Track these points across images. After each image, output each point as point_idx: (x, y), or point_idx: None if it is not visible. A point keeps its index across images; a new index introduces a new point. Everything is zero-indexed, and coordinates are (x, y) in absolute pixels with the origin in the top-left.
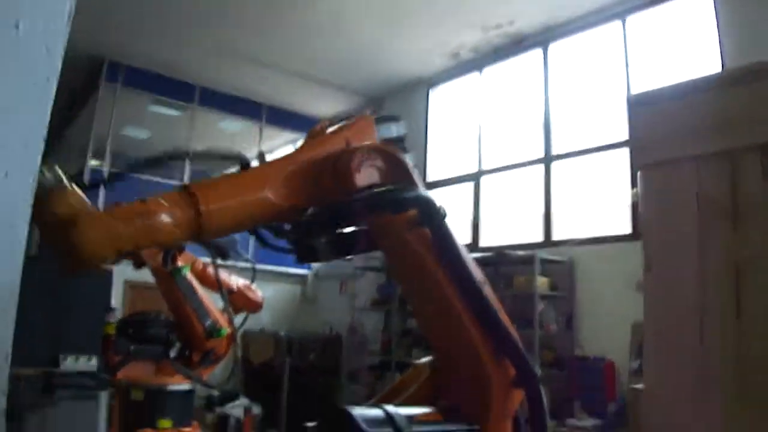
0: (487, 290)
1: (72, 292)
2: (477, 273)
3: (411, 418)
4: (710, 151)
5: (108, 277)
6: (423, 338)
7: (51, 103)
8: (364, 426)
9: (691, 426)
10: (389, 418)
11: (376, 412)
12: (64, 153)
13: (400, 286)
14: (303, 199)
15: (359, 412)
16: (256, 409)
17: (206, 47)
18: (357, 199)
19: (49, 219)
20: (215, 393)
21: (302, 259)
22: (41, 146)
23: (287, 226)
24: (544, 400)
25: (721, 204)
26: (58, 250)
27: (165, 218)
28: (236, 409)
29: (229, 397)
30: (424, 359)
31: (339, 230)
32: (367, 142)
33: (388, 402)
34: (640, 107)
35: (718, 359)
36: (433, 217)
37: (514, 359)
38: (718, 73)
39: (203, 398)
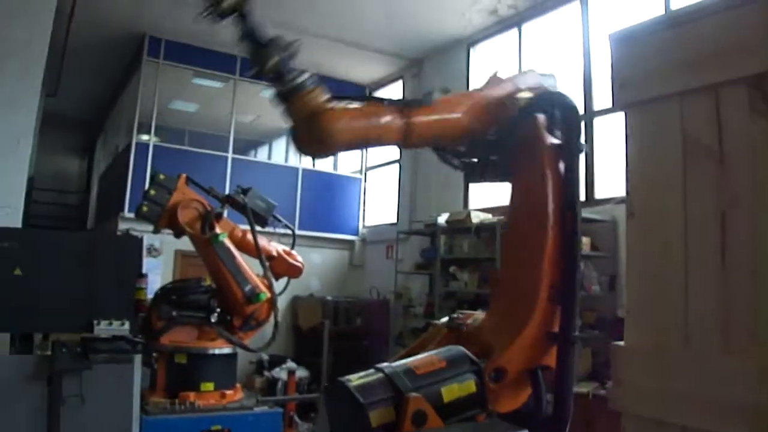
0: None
1: (104, 259)
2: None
3: (412, 373)
4: (693, 87)
5: (138, 243)
6: (466, 300)
7: None
8: (358, 395)
9: (674, 377)
10: (388, 380)
11: (375, 377)
12: (113, 129)
13: (512, 210)
14: (483, 126)
15: (359, 381)
16: (301, 372)
17: None
18: (535, 98)
19: (302, 107)
20: (265, 357)
21: (470, 178)
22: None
23: (462, 149)
24: (572, 364)
25: (706, 144)
26: (305, 137)
27: (384, 121)
28: (283, 372)
29: (278, 361)
30: (443, 319)
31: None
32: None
33: None
34: (621, 44)
35: (702, 308)
36: (575, 144)
37: (566, 312)
38: (701, 2)
39: (254, 362)
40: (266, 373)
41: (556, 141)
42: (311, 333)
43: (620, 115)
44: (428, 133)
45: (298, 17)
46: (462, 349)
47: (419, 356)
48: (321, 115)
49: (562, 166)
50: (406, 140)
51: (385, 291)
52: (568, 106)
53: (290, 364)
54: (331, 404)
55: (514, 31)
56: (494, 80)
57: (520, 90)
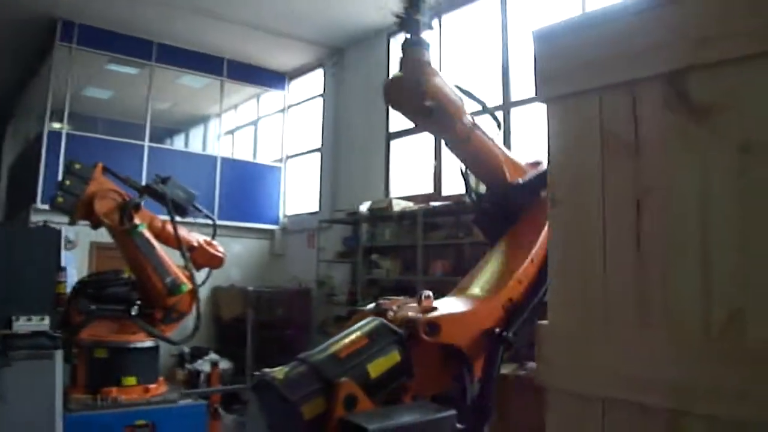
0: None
1: (21, 252)
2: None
3: (335, 358)
4: (612, 83)
5: (57, 236)
6: (389, 288)
7: None
8: (287, 392)
9: (594, 355)
10: (313, 371)
11: (300, 370)
12: (23, 116)
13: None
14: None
15: (285, 377)
16: (224, 364)
17: (161, 2)
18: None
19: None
20: (186, 350)
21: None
22: None
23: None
24: (498, 362)
25: (623, 137)
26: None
27: (463, 111)
28: (206, 364)
29: (199, 353)
30: (368, 306)
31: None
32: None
33: None
34: (544, 41)
35: (620, 287)
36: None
37: (516, 315)
38: (618, 4)
39: (175, 355)
40: (188, 366)
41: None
42: (233, 323)
43: (541, 108)
44: (476, 153)
45: (215, 3)
46: (381, 320)
47: (340, 338)
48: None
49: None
50: (460, 138)
51: (307, 280)
52: None
53: (212, 356)
54: (262, 399)
55: (434, 21)
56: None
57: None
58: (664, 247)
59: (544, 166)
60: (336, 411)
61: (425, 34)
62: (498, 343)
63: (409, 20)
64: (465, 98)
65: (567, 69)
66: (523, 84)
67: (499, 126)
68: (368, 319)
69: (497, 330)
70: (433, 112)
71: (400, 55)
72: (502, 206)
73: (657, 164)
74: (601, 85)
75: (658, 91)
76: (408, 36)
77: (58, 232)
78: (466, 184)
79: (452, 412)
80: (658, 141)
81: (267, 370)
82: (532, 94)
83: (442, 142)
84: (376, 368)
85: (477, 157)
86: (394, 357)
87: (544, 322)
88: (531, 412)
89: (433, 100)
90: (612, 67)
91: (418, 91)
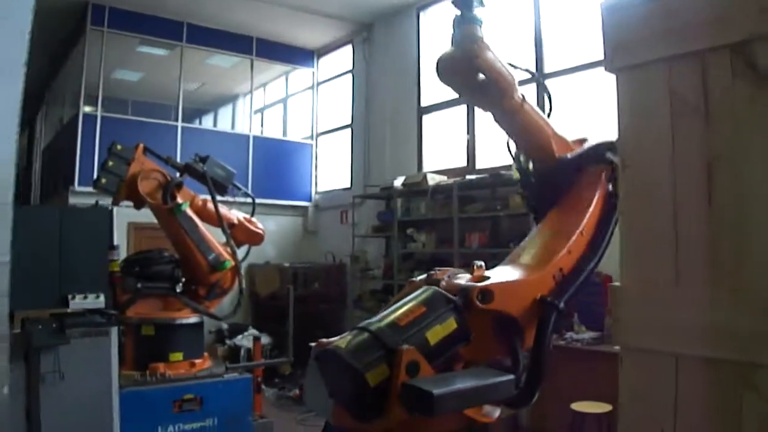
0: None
1: (74, 232)
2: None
3: (396, 326)
4: (681, 53)
5: (108, 214)
6: (424, 261)
7: None
8: (352, 361)
9: (667, 313)
10: (375, 339)
11: (361, 338)
12: (58, 101)
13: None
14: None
15: (347, 348)
16: (265, 339)
17: None
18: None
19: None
20: (225, 326)
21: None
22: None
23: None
24: (550, 330)
25: (693, 103)
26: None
27: (513, 83)
28: (245, 339)
29: (238, 329)
30: (421, 276)
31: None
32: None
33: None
34: (611, 12)
35: (691, 246)
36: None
37: (567, 284)
38: None
39: (213, 332)
40: (228, 342)
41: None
42: (269, 299)
43: (609, 78)
44: (525, 128)
45: None
46: (436, 288)
47: (398, 307)
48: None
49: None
50: (509, 113)
51: (341, 255)
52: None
53: (252, 331)
54: (324, 368)
55: None
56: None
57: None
58: (735, 209)
59: (591, 142)
60: (399, 377)
61: (478, 11)
62: (550, 312)
63: None
64: (516, 72)
65: (636, 40)
66: (556, 55)
67: (551, 101)
68: (423, 288)
69: (549, 299)
70: (484, 86)
71: (453, 31)
72: (549, 181)
73: (726, 130)
74: (670, 55)
75: (726, 60)
76: (460, 12)
77: (110, 211)
78: (513, 158)
79: (510, 376)
80: (727, 108)
81: (325, 340)
82: (566, 65)
83: (475, 115)
84: (434, 335)
85: (525, 132)
86: (451, 324)
87: (617, 283)
88: (573, 379)
89: (486, 74)
90: (680, 38)
91: (471, 65)
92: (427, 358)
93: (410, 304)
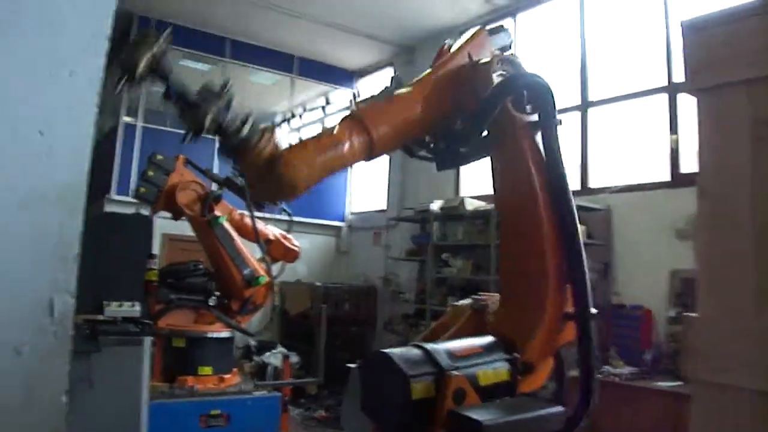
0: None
1: (114, 239)
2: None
3: (451, 354)
4: (763, 75)
5: (149, 223)
6: (458, 287)
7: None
8: (402, 366)
9: (745, 347)
10: (430, 357)
11: (415, 352)
12: (99, 110)
13: (498, 197)
14: (444, 110)
15: (398, 353)
16: (294, 358)
17: None
18: (500, 85)
19: (255, 159)
20: (253, 342)
21: (441, 166)
22: (105, 45)
23: (427, 138)
24: (594, 340)
25: None
26: (265, 184)
27: (347, 147)
28: (274, 357)
29: (266, 346)
30: (464, 301)
31: (473, 135)
32: (486, 53)
33: (430, 342)
34: (693, 32)
35: None
36: (550, 118)
37: (578, 289)
38: None
39: (241, 348)
40: (256, 358)
41: (530, 118)
42: (299, 318)
43: (689, 100)
44: (392, 142)
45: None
46: (495, 339)
47: (456, 341)
48: (279, 161)
49: (540, 142)
50: (372, 155)
51: (372, 277)
52: (540, 86)
53: (281, 349)
54: (367, 377)
55: (509, 20)
56: (443, 53)
57: (474, 59)
58: None
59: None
60: (446, 402)
61: None
62: (584, 324)
63: None
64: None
65: (717, 60)
66: (601, 83)
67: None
68: (483, 336)
69: (576, 312)
70: None
71: None
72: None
73: None
74: (753, 77)
75: None
76: None
77: (150, 220)
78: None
79: (560, 408)
80: None
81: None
82: (611, 94)
83: None
84: (485, 377)
85: (399, 138)
86: (503, 374)
87: (693, 314)
88: (612, 416)
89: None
90: (763, 59)
91: (288, 195)
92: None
93: (469, 341)
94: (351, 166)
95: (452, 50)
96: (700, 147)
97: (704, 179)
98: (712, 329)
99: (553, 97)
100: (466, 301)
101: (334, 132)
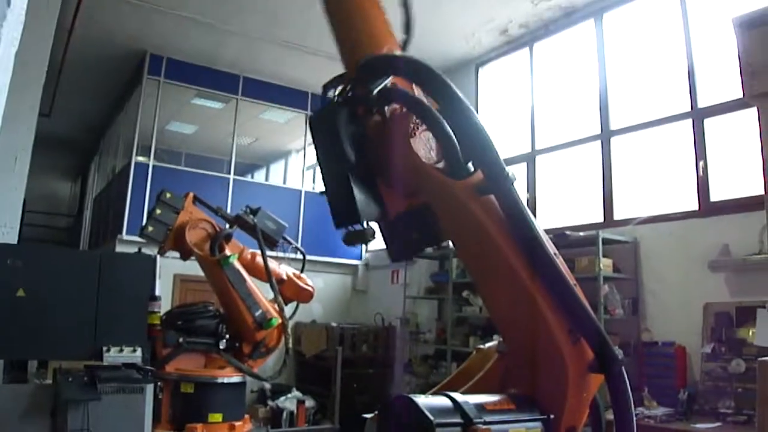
0: (561, 263)
1: (114, 280)
2: (549, 246)
3: (481, 407)
4: None
5: (152, 263)
6: (480, 326)
7: None
8: (429, 414)
9: None
10: (457, 407)
11: (441, 400)
12: (111, 150)
13: (468, 267)
14: None
15: (424, 400)
16: (309, 402)
17: (248, 36)
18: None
19: None
20: (267, 386)
21: (397, 257)
22: None
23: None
24: (627, 385)
25: None
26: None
27: None
28: (289, 401)
29: (281, 390)
30: (490, 343)
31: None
32: None
33: (454, 389)
34: (747, 30)
35: None
36: (500, 180)
37: (592, 340)
38: None
39: (255, 391)
40: (270, 403)
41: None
42: (315, 360)
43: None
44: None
45: (301, 36)
46: (530, 397)
47: (486, 395)
48: None
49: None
50: None
51: (390, 317)
52: (420, 69)
53: (296, 393)
54: (388, 421)
55: (525, 51)
56: None
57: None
58: None
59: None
60: None
61: None
62: (611, 370)
63: None
64: None
65: None
66: (622, 112)
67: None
68: (516, 394)
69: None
70: None
71: None
72: None
73: None
74: None
75: None
76: None
77: (154, 259)
78: None
79: None
80: None
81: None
82: (634, 122)
83: (536, 174)
84: None
85: None
86: None
87: (766, 359)
88: None
89: None
90: None
91: None
92: None
93: (499, 396)
94: None
95: None
96: (764, 156)
97: None
98: None
99: (438, 76)
100: (492, 343)
101: None
